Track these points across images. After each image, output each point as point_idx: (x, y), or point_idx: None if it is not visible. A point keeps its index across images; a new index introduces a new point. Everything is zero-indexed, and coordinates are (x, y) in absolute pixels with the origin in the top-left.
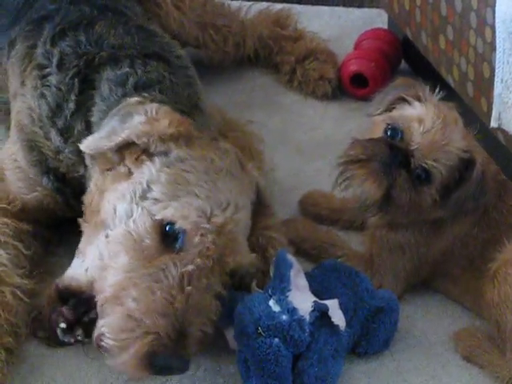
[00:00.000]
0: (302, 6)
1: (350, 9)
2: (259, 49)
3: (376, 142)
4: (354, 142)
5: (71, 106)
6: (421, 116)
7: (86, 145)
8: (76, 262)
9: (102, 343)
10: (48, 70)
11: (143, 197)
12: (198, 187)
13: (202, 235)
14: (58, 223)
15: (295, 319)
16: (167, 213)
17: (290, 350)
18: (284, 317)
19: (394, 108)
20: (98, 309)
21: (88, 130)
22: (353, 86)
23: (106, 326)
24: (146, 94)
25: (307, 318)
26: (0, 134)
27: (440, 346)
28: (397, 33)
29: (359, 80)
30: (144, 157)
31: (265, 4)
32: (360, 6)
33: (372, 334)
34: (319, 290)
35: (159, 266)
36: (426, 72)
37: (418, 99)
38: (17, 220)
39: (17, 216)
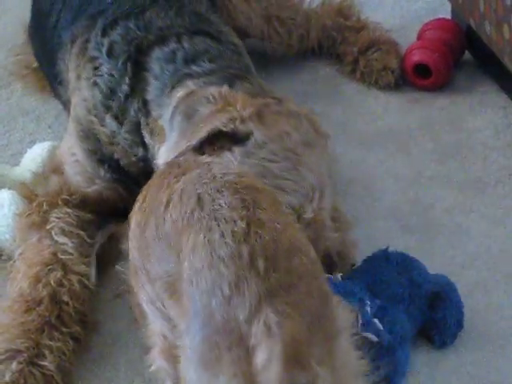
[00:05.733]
0: None
1: None
2: (322, 40)
3: None
4: None
5: (125, 88)
6: None
7: (164, 157)
8: None
9: None
10: (100, 60)
11: None
12: (282, 180)
13: None
14: (123, 217)
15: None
16: None
17: None
18: None
19: None
20: None
21: (145, 107)
22: (416, 77)
23: None
24: (195, 69)
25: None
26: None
27: (504, 338)
28: (460, 23)
29: (422, 70)
30: (222, 147)
31: None
32: None
33: (441, 325)
34: (373, 282)
35: None
36: (489, 62)
37: None
38: (79, 210)
39: (79, 206)
